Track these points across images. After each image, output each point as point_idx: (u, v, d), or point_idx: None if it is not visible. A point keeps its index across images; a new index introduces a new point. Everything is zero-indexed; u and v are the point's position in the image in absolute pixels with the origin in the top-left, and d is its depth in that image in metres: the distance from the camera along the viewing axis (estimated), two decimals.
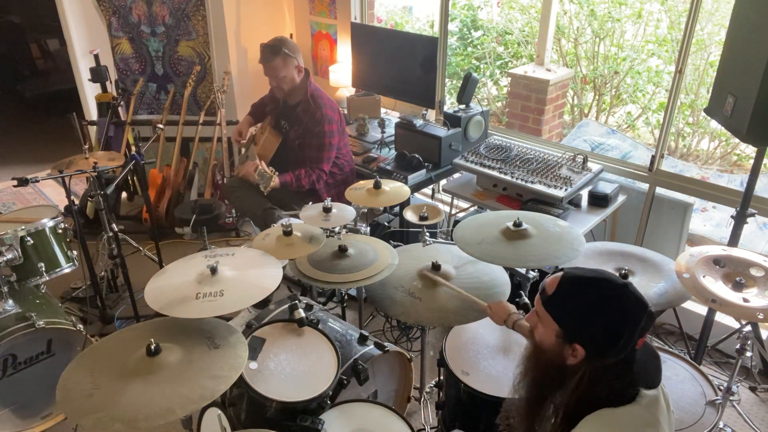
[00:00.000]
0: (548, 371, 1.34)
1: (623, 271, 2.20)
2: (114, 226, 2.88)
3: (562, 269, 1.35)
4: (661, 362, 1.35)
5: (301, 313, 1.99)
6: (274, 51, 3.05)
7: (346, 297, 2.94)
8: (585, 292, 1.28)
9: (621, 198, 2.98)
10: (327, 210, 2.36)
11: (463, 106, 3.35)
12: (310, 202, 2.47)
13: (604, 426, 1.24)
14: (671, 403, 1.37)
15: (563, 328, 1.28)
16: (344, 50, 4.19)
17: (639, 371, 1.27)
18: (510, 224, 2.10)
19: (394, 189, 2.55)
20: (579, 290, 1.29)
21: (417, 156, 3.16)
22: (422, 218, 2.43)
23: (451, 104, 3.73)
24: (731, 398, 2.23)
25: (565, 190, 2.73)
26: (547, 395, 1.36)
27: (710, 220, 3.71)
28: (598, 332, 1.25)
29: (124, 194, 4.38)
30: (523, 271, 2.32)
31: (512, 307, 1.84)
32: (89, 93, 4.39)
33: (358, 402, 1.87)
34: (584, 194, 2.93)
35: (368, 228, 3.03)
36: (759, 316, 1.85)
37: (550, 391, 1.35)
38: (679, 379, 1.99)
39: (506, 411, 1.54)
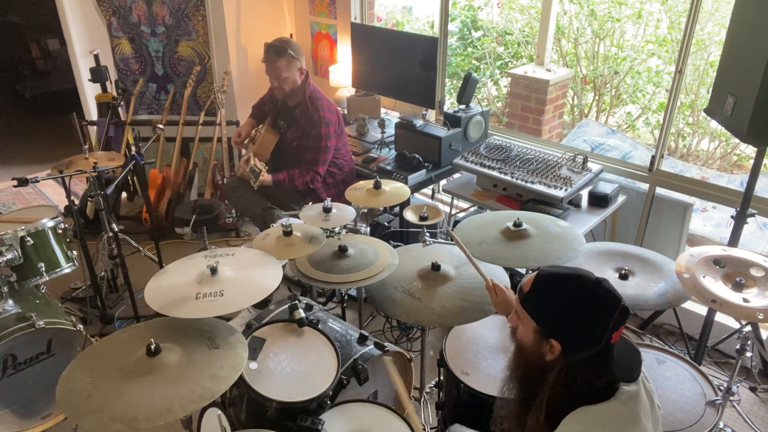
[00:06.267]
0: (530, 369, 1.37)
1: (623, 271, 2.20)
2: (114, 226, 2.88)
3: (538, 268, 1.38)
4: (641, 357, 1.37)
5: (301, 313, 1.99)
6: (279, 52, 3.05)
7: (346, 297, 2.94)
8: (558, 288, 1.32)
9: (621, 198, 2.98)
10: (327, 210, 2.36)
11: (463, 106, 3.35)
12: (310, 202, 2.47)
13: (584, 424, 1.25)
14: (657, 399, 1.38)
15: (539, 324, 1.31)
16: (344, 50, 4.19)
17: (617, 366, 1.30)
18: (510, 224, 2.10)
19: (394, 189, 2.55)
20: (552, 286, 1.33)
21: (417, 156, 3.16)
22: (422, 218, 2.44)
23: (451, 104, 3.73)
24: (731, 398, 2.23)
25: (565, 190, 2.73)
26: (532, 394, 1.38)
27: (710, 220, 3.71)
28: (571, 326, 1.28)
29: (124, 194, 4.38)
30: (523, 271, 2.33)
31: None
32: (89, 93, 4.39)
33: (358, 402, 1.87)
34: (584, 194, 2.93)
35: (368, 228, 3.03)
36: (759, 316, 1.85)
37: (534, 389, 1.37)
38: (679, 379, 1.99)
39: (498, 416, 1.55)
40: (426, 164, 3.16)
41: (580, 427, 1.25)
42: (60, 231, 2.67)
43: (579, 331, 1.27)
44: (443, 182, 3.50)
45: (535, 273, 1.36)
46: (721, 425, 2.06)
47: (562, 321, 1.29)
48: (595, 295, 1.28)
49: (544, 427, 1.30)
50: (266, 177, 3.06)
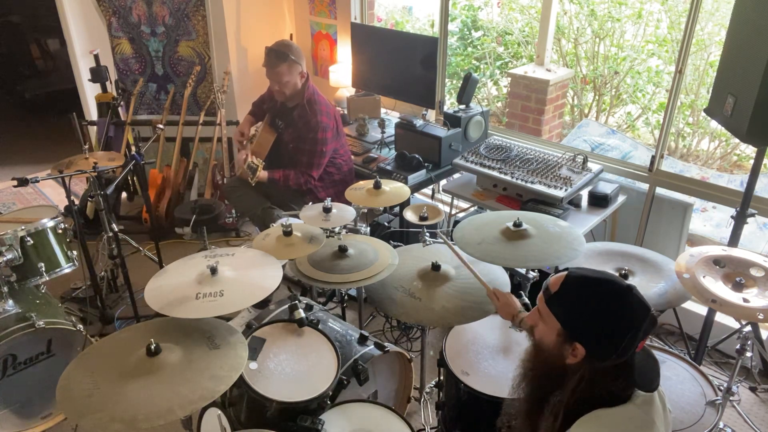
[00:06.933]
0: (547, 370, 1.35)
1: (623, 272, 2.20)
2: (114, 226, 2.88)
3: (566, 269, 1.35)
4: (659, 366, 1.35)
5: (301, 313, 1.99)
6: (280, 57, 3.04)
7: (346, 297, 2.94)
8: (589, 292, 1.28)
9: (621, 198, 2.98)
10: (327, 210, 2.37)
11: (463, 106, 3.35)
12: (310, 202, 2.47)
13: (599, 426, 1.24)
14: (668, 403, 1.37)
15: (565, 327, 1.28)
16: (344, 50, 4.19)
17: (638, 374, 1.28)
18: (510, 224, 2.10)
19: (394, 189, 2.55)
20: (583, 290, 1.29)
21: (417, 156, 3.16)
22: (422, 218, 2.44)
23: (451, 104, 3.73)
24: (731, 398, 2.23)
25: (565, 190, 2.73)
26: (546, 395, 1.36)
27: (710, 220, 3.71)
28: (600, 333, 1.25)
29: (124, 194, 4.38)
30: (523, 271, 2.32)
31: (519, 304, 1.84)
32: (89, 93, 4.39)
33: (358, 402, 1.87)
34: (584, 194, 2.93)
35: (368, 228, 3.03)
36: (759, 316, 1.85)
37: (550, 391, 1.35)
38: (679, 379, 1.99)
39: (507, 413, 1.54)
40: (426, 164, 3.16)
41: (595, 431, 1.24)
42: (60, 231, 2.67)
43: (608, 338, 1.24)
44: (443, 182, 3.50)
45: (564, 273, 1.33)
46: (721, 425, 2.06)
47: (591, 327, 1.26)
48: (627, 303, 1.25)
49: (557, 428, 1.29)
50: (262, 173, 3.07)
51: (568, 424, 1.26)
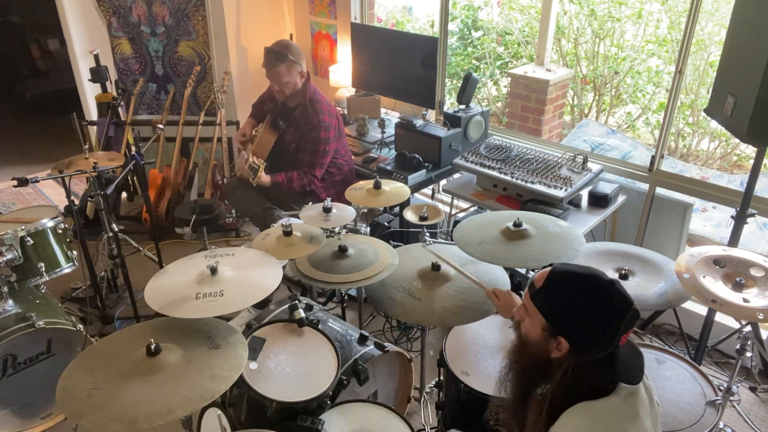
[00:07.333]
0: (533, 364, 1.37)
1: (623, 272, 2.20)
2: (114, 226, 2.88)
3: (551, 264, 1.37)
4: (643, 360, 1.37)
5: (301, 313, 1.99)
6: (279, 57, 3.04)
7: (346, 297, 2.94)
8: (572, 286, 1.31)
9: (621, 198, 2.98)
10: (327, 210, 2.37)
11: (463, 107, 3.35)
12: (310, 202, 2.47)
13: (584, 419, 1.26)
14: (656, 396, 1.39)
15: (549, 321, 1.31)
16: (344, 50, 4.19)
17: (621, 368, 1.30)
18: (510, 224, 2.10)
19: (394, 189, 2.55)
20: (566, 285, 1.32)
21: (417, 156, 3.16)
22: (422, 218, 2.44)
23: (451, 104, 3.73)
24: (731, 398, 2.23)
25: (565, 190, 2.73)
26: (532, 389, 1.38)
27: (710, 220, 3.71)
28: (583, 326, 1.27)
29: (124, 194, 4.38)
30: (523, 271, 2.33)
31: (519, 301, 1.84)
32: (89, 93, 4.39)
33: (358, 402, 1.87)
34: (584, 194, 2.93)
35: (368, 228, 3.03)
36: (759, 316, 1.85)
37: (535, 384, 1.38)
38: (679, 379, 1.99)
39: (495, 406, 1.55)
40: (426, 164, 3.16)
41: (580, 422, 1.25)
42: (60, 231, 2.67)
43: (590, 332, 1.26)
44: (443, 182, 3.50)
45: (549, 269, 1.35)
46: (721, 425, 2.07)
47: (574, 321, 1.28)
48: (609, 297, 1.27)
49: (543, 421, 1.31)
50: (264, 177, 3.07)
51: (554, 417, 1.28)
